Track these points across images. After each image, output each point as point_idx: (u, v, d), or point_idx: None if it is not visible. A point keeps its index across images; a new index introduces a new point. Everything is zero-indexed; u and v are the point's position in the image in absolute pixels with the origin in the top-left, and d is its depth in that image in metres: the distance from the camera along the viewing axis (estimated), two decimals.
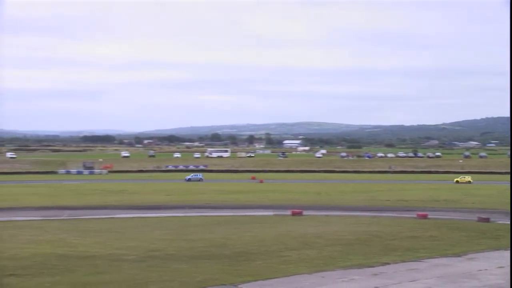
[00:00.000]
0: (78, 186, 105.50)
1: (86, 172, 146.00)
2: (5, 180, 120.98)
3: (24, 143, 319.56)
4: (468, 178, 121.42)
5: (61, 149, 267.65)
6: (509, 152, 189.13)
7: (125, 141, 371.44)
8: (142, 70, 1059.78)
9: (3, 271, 31.20)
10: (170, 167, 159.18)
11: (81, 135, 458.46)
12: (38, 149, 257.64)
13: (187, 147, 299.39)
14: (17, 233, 47.89)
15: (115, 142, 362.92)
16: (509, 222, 48.54)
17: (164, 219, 60.20)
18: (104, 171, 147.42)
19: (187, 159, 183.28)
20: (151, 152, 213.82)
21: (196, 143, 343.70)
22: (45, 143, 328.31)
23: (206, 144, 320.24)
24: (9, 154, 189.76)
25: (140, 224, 55.55)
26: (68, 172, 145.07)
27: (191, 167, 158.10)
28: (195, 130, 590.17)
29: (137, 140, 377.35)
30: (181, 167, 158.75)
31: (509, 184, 79.14)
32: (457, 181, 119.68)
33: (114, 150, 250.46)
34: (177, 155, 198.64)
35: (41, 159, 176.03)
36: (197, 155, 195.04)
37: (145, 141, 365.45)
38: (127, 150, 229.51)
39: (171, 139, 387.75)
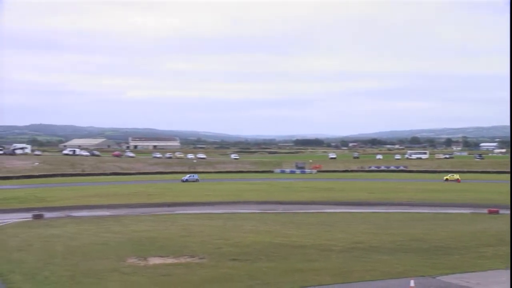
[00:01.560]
0: (291, 184, 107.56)
1: (298, 171, 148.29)
2: (230, 178, 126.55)
3: (245, 146, 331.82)
4: (456, 176, 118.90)
5: (277, 151, 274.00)
6: None
7: (332, 144, 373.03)
8: (347, 80, 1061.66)
9: (228, 256, 32.81)
10: (373, 168, 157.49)
11: (294, 138, 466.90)
12: (257, 151, 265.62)
13: (388, 149, 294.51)
14: (240, 224, 49.94)
15: (323, 145, 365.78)
16: None
17: (368, 214, 59.92)
18: (314, 170, 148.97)
19: (388, 160, 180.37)
20: (356, 154, 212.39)
21: (397, 146, 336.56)
22: (263, 146, 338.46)
23: (406, 147, 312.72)
24: (233, 156, 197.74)
25: (346, 218, 55.67)
26: (282, 171, 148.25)
27: (392, 168, 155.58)
28: (395, 134, 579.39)
29: (343, 143, 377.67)
30: (382, 168, 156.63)
31: None
32: (446, 179, 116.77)
33: (322, 152, 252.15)
34: (379, 156, 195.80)
35: (260, 160, 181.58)
36: (397, 156, 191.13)
37: (350, 144, 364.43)
38: (334, 152, 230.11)
39: (374, 142, 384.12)
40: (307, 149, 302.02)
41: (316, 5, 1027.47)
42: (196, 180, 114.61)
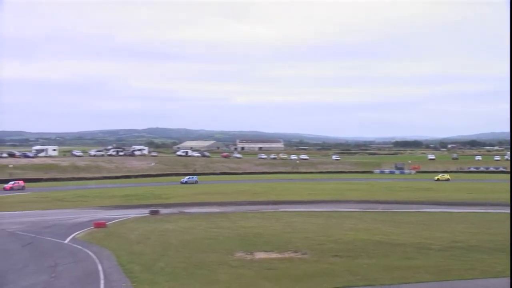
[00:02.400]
0: (391, 184, 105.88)
1: (397, 172, 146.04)
2: (331, 178, 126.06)
3: (346, 148, 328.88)
4: (447, 176, 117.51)
5: (376, 152, 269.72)
6: None
7: (431, 145, 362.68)
8: (447, 83, 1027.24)
9: (330, 252, 32.66)
10: (472, 169, 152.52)
11: (393, 140, 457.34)
12: (357, 153, 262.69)
13: (488, 151, 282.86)
14: (341, 222, 49.61)
15: (422, 146, 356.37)
16: None
17: (466, 214, 58.00)
18: (413, 171, 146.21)
19: (487, 161, 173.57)
20: (454, 155, 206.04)
21: (496, 147, 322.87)
22: (363, 147, 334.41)
23: (505, 148, 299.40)
24: (334, 157, 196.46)
25: (444, 218, 54.15)
26: (382, 172, 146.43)
27: (491, 169, 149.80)
28: (495, 136, 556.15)
29: (441, 144, 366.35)
30: (481, 169, 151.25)
31: None
32: (437, 179, 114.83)
33: (421, 153, 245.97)
34: (478, 157, 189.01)
35: (360, 161, 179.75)
36: (497, 157, 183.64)
37: (449, 146, 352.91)
38: (432, 153, 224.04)
39: (473, 143, 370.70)
40: (406, 150, 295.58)
41: (413, 9, 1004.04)
42: (196, 182, 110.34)
